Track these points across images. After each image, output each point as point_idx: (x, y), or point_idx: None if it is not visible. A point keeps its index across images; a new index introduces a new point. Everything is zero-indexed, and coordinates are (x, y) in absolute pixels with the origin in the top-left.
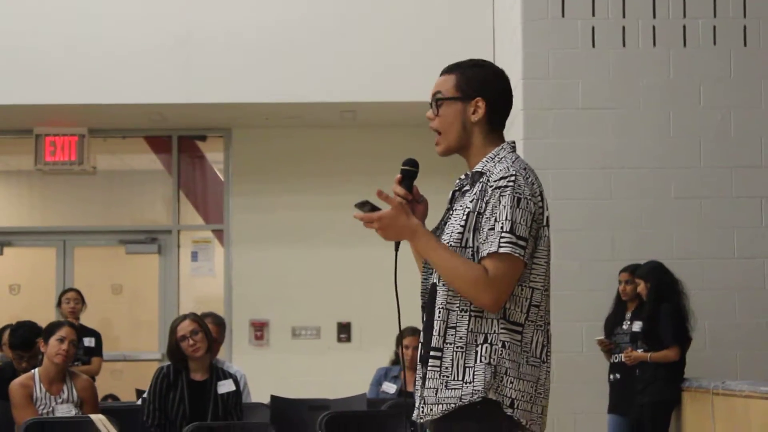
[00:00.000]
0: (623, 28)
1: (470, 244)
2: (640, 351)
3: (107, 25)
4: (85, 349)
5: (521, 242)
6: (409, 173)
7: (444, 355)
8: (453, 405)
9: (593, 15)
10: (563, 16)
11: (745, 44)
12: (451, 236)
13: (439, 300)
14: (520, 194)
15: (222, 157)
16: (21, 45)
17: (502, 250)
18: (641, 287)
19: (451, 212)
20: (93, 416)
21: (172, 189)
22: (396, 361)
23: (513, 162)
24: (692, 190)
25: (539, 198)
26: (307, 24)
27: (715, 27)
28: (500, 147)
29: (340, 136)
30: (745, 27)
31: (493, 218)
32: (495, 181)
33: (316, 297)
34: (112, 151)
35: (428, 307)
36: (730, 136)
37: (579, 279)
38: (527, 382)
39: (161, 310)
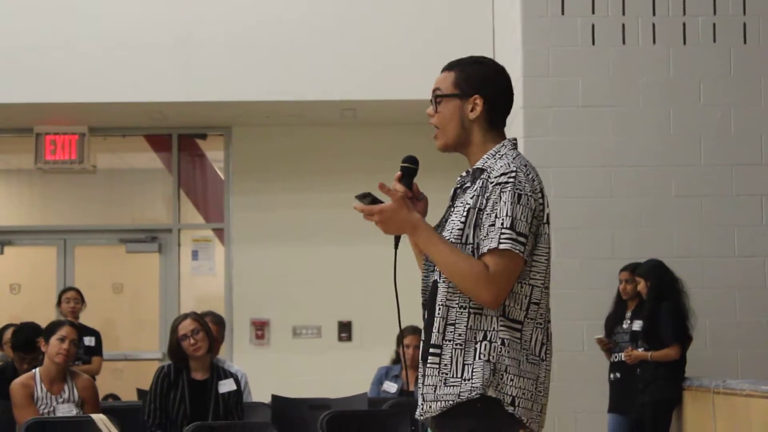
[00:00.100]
0: (623, 25)
1: (471, 240)
2: (640, 350)
3: (107, 23)
4: (86, 349)
5: (521, 239)
6: (409, 170)
7: (443, 352)
8: (451, 402)
9: (593, 12)
10: (563, 13)
11: (745, 42)
12: (451, 233)
13: (440, 297)
14: (521, 191)
15: (222, 155)
16: (21, 44)
17: (502, 247)
18: (641, 286)
19: (452, 209)
20: (94, 416)
21: (172, 188)
22: (397, 361)
23: (514, 159)
24: (692, 188)
25: (540, 195)
26: (307, 22)
27: (714, 24)
28: (501, 144)
29: (340, 135)
30: (744, 24)
31: (494, 214)
32: (496, 177)
33: (316, 296)
34: (112, 150)
35: (429, 304)
36: (731, 134)
37: (579, 277)
38: (528, 380)
39: (162, 309)
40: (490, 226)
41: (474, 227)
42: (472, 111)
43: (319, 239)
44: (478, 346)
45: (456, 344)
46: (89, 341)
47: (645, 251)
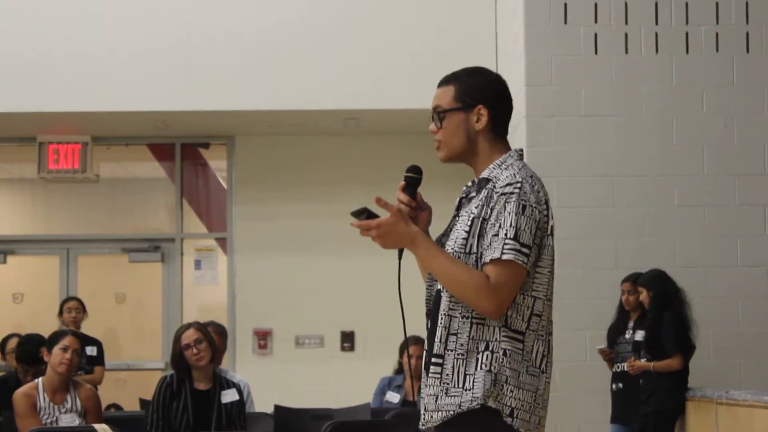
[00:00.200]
0: (626, 34)
1: (474, 250)
2: (643, 360)
3: (110, 33)
4: (88, 358)
5: (525, 250)
6: (413, 180)
7: (445, 362)
8: (452, 412)
9: (596, 22)
10: (566, 22)
11: (747, 51)
12: (455, 242)
13: (442, 307)
14: (526, 201)
15: (225, 164)
16: (24, 53)
17: (505, 257)
18: (643, 296)
19: (456, 219)
20: (96, 426)
21: (175, 197)
22: (399, 371)
23: (520, 169)
24: (695, 197)
25: (545, 206)
26: (309, 31)
27: (717, 34)
28: (507, 154)
29: (343, 144)
30: (747, 34)
31: (498, 224)
32: (501, 187)
33: (319, 306)
34: (115, 159)
35: (432, 314)
36: (733, 144)
37: (581, 287)
38: (527, 392)
39: (164, 318)
40: (493, 236)
41: (478, 237)
42: (477, 122)
43: (322, 249)
44: (480, 356)
45: (458, 354)
46: (91, 351)
47: (647, 261)
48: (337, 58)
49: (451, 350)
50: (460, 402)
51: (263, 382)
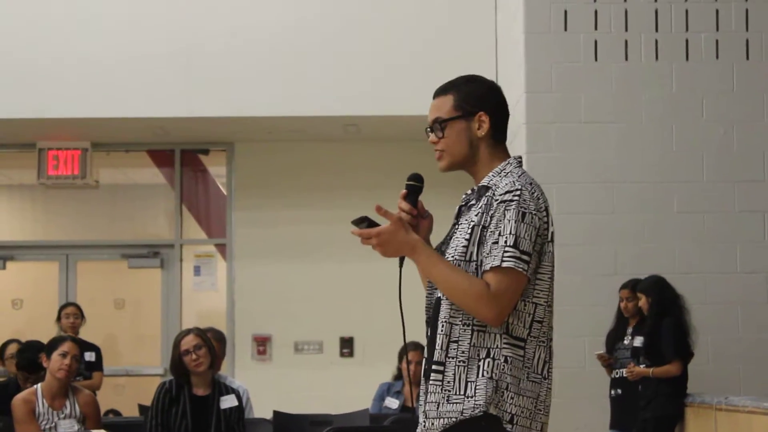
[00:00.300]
0: (626, 42)
1: (474, 257)
2: (642, 366)
3: (110, 39)
4: (86, 364)
5: (525, 257)
6: (414, 188)
7: (446, 369)
8: (454, 419)
9: (596, 29)
10: (566, 29)
11: (747, 58)
12: (455, 250)
13: (443, 314)
14: (525, 209)
15: (225, 171)
16: (23, 59)
17: (505, 265)
18: (642, 302)
19: (456, 227)
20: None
21: (174, 203)
22: (398, 377)
23: (519, 176)
24: (694, 204)
25: (544, 213)
26: (309, 38)
27: (717, 41)
28: (507, 162)
29: (343, 150)
30: (747, 41)
31: (497, 232)
32: (500, 195)
33: (318, 312)
34: (114, 165)
35: (432, 321)
36: (733, 151)
37: (581, 293)
38: (527, 398)
39: (164, 324)
40: (493, 243)
41: (478, 245)
42: (479, 129)
43: (321, 255)
44: (481, 363)
45: (459, 361)
46: (90, 356)
47: (647, 267)
48: (337, 64)
49: (452, 357)
50: (462, 409)
51: (262, 388)
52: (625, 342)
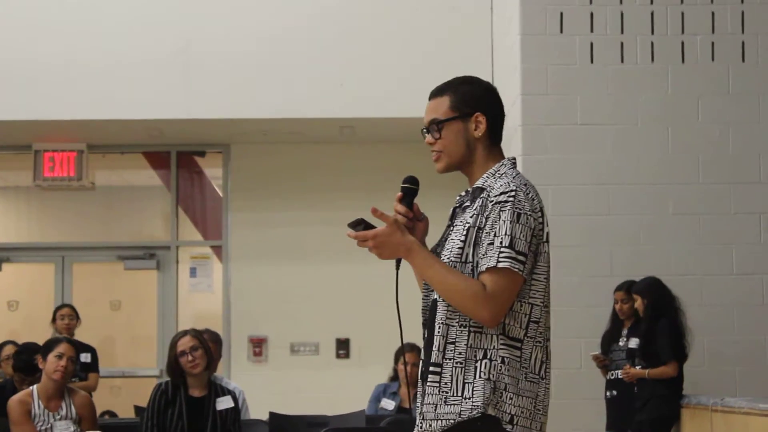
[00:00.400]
0: (621, 44)
1: (470, 259)
2: (638, 368)
3: (106, 41)
4: (82, 365)
5: (521, 257)
6: (410, 191)
7: (443, 371)
8: (452, 421)
9: (592, 31)
10: (562, 31)
11: (743, 60)
12: (451, 252)
13: (439, 315)
14: (520, 209)
15: (221, 172)
16: (19, 61)
17: (501, 265)
18: (638, 303)
19: (451, 228)
20: None
21: (170, 205)
22: (395, 378)
23: (514, 178)
24: (690, 206)
25: (539, 214)
26: (305, 40)
27: (713, 43)
28: (501, 163)
29: (339, 152)
30: (743, 43)
31: (493, 233)
32: (495, 196)
33: (314, 313)
34: (110, 167)
35: (429, 323)
36: (729, 152)
37: (577, 295)
38: (526, 399)
39: (160, 326)
40: (489, 244)
41: (474, 246)
42: (476, 129)
43: (317, 257)
44: (478, 364)
45: (456, 363)
46: (85, 357)
47: (643, 269)
48: (333, 66)
49: (449, 359)
50: (460, 410)
51: (258, 390)
52: (620, 343)
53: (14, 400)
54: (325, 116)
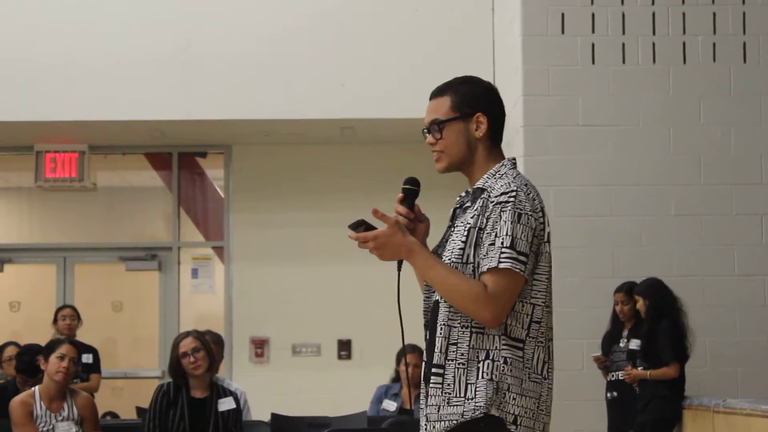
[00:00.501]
0: (623, 44)
1: (471, 259)
2: (639, 369)
3: (108, 42)
4: (83, 366)
5: (522, 258)
6: (411, 192)
7: (446, 372)
8: (455, 422)
9: (593, 32)
10: (563, 32)
11: (744, 61)
12: (452, 252)
13: (441, 317)
14: (521, 210)
15: (222, 173)
16: (21, 62)
17: (502, 266)
18: (640, 304)
19: (452, 229)
20: None
21: (172, 206)
22: (396, 379)
23: (514, 178)
24: (692, 207)
25: (540, 214)
26: (307, 41)
27: (714, 44)
28: (501, 164)
29: (340, 153)
30: (744, 44)
31: (494, 233)
32: (496, 196)
33: (316, 314)
34: (112, 168)
35: (431, 324)
36: (730, 153)
37: (579, 296)
38: (530, 399)
39: (161, 327)
40: (490, 245)
41: (475, 247)
42: (477, 129)
43: (319, 257)
44: (480, 365)
45: (459, 364)
46: (87, 358)
47: (645, 270)
48: (335, 67)
49: (452, 360)
50: (463, 411)
51: (260, 391)
52: (621, 345)
53: (16, 401)
54: (327, 117)
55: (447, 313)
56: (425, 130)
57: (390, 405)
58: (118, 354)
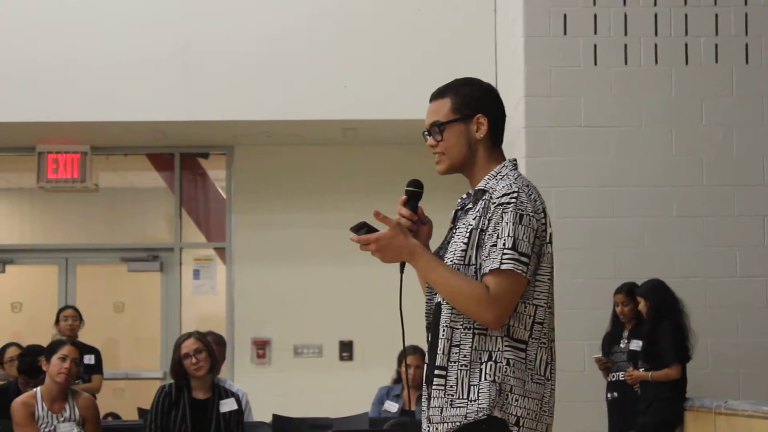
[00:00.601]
0: (625, 45)
1: (473, 261)
2: (641, 370)
3: (110, 43)
4: (85, 367)
5: (524, 259)
6: (415, 194)
7: (449, 374)
8: (458, 423)
9: (595, 33)
10: (565, 33)
11: (747, 62)
12: (454, 254)
13: (443, 319)
14: (523, 211)
15: (224, 174)
16: (23, 62)
17: (504, 267)
18: (642, 305)
19: (454, 231)
20: None
21: (174, 207)
22: (398, 380)
23: (516, 179)
24: (694, 208)
25: (542, 215)
26: (308, 42)
27: (717, 45)
28: (502, 165)
29: (342, 154)
30: (747, 45)
31: (495, 235)
32: (497, 198)
33: (318, 315)
34: (114, 169)
35: (433, 326)
36: (732, 155)
37: (581, 297)
38: (532, 400)
39: (163, 328)
40: (491, 246)
41: (477, 248)
42: (477, 131)
43: (320, 258)
44: (483, 366)
45: (461, 365)
46: (89, 359)
47: (646, 271)
48: (337, 68)
49: (455, 362)
50: (466, 413)
51: (262, 392)
52: (621, 345)
53: (18, 401)
54: (329, 118)
55: (449, 314)
56: (425, 132)
57: (391, 406)
58: (119, 355)
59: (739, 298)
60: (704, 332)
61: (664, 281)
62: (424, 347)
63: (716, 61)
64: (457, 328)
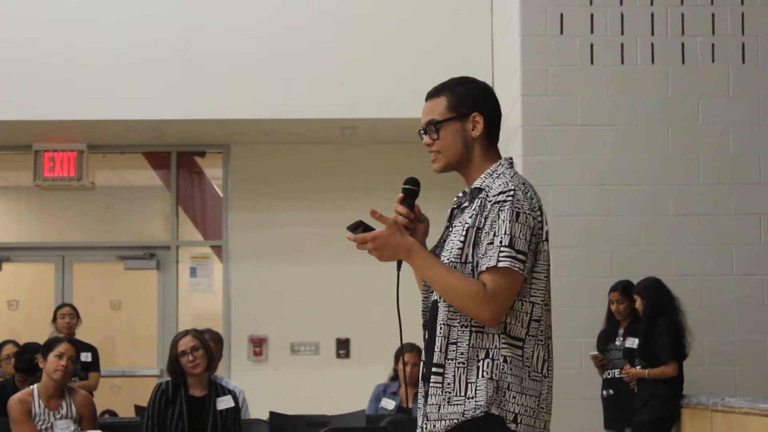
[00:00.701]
0: (622, 45)
1: (470, 259)
2: (638, 368)
3: (107, 42)
4: (82, 364)
5: (520, 256)
6: (411, 192)
7: (446, 371)
8: (456, 421)
9: (592, 32)
10: (562, 33)
11: (743, 61)
12: (451, 252)
13: (440, 316)
14: (519, 209)
15: (221, 173)
16: (20, 61)
17: (501, 265)
18: (638, 303)
19: (450, 229)
20: None
21: (171, 205)
22: (395, 378)
23: (512, 177)
24: (691, 207)
25: (538, 212)
26: (306, 41)
27: (713, 44)
28: (498, 163)
29: (339, 153)
30: (743, 44)
31: (492, 233)
32: (494, 195)
33: (314, 313)
34: (111, 167)
35: (430, 324)
36: (729, 153)
37: (577, 295)
38: (530, 397)
39: (160, 326)
40: (488, 244)
41: (473, 246)
42: (473, 129)
43: (317, 256)
44: (480, 364)
45: (459, 363)
46: (86, 357)
47: (643, 269)
48: (334, 66)
49: (452, 359)
50: (464, 410)
51: (258, 389)
52: (617, 343)
53: (14, 399)
54: (326, 117)
55: (446, 312)
56: (421, 131)
57: (388, 403)
58: (116, 352)
59: (735, 296)
60: (701, 330)
61: (661, 279)
62: (421, 345)
63: (713, 60)
64: (454, 326)
